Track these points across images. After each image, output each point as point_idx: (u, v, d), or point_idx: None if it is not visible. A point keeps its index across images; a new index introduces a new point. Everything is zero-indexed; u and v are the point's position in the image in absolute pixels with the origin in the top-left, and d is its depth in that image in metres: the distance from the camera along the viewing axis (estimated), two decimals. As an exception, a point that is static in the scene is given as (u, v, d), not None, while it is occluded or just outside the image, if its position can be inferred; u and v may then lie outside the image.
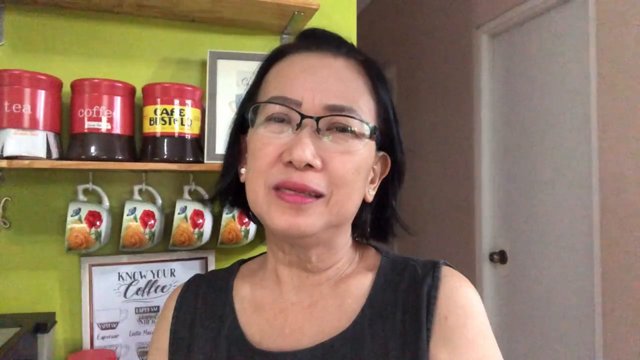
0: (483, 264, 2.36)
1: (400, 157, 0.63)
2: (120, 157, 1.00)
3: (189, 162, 1.05)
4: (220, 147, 1.07)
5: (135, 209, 1.03)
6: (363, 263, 0.64)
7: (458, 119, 2.59)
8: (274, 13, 1.13)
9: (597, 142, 1.75)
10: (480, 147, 2.39)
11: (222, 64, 1.12)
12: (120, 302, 1.09)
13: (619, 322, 1.65)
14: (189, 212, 1.07)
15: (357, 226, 0.65)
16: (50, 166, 0.94)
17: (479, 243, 2.39)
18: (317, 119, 0.54)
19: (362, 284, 0.60)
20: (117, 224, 1.06)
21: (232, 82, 1.13)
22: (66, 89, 1.01)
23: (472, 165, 2.45)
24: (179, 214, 1.06)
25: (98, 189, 1.05)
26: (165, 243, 1.11)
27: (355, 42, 1.18)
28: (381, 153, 0.62)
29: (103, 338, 1.07)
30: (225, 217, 1.10)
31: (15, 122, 0.92)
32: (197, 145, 1.08)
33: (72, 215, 0.98)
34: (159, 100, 1.03)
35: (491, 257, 2.32)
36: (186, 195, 1.11)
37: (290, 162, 0.52)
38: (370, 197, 0.61)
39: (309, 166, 0.52)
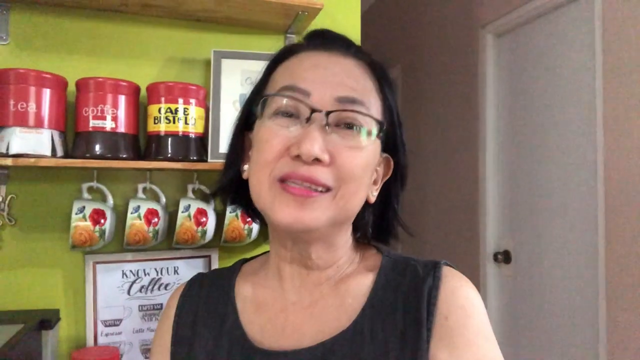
0: (487, 264, 2.35)
1: (403, 159, 0.63)
2: (124, 156, 1.00)
3: (193, 160, 1.05)
4: (224, 146, 1.07)
5: (139, 207, 1.04)
6: (364, 263, 0.64)
7: (463, 119, 2.58)
8: (278, 12, 1.13)
9: (603, 142, 1.74)
10: (484, 146, 2.39)
11: (226, 63, 1.13)
12: (124, 300, 1.10)
13: (623, 323, 1.65)
14: (193, 211, 1.07)
15: (359, 227, 0.65)
16: (55, 164, 0.94)
17: (483, 243, 2.39)
18: (327, 114, 0.54)
19: (363, 283, 0.60)
20: (121, 222, 1.06)
21: (236, 82, 1.13)
22: (71, 87, 1.01)
23: (476, 165, 2.45)
24: (182, 212, 1.06)
25: (102, 187, 1.06)
26: (169, 241, 1.12)
27: (359, 42, 1.18)
28: (384, 155, 0.62)
29: (107, 335, 1.08)
30: (229, 215, 1.10)
31: (21, 120, 0.92)
32: (201, 144, 1.08)
33: (76, 213, 0.98)
34: (163, 99, 1.04)
35: (495, 257, 2.31)
36: (190, 194, 1.12)
37: (298, 156, 0.52)
38: (372, 198, 0.61)
39: (317, 160, 0.52)
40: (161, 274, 1.13)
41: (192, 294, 0.67)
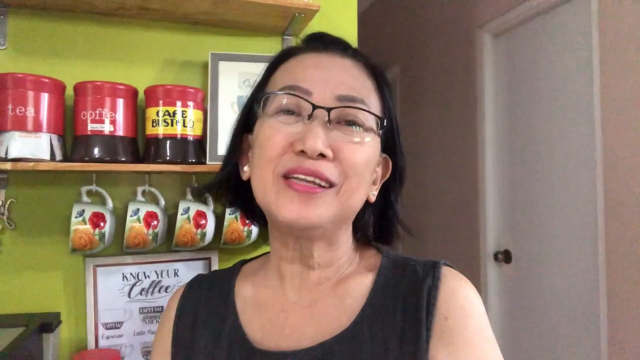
0: (488, 263, 2.35)
1: (401, 160, 0.64)
2: (123, 159, 1.01)
3: (192, 163, 1.06)
4: (222, 148, 1.07)
5: (138, 210, 1.04)
6: (363, 263, 0.64)
7: (461, 118, 2.58)
8: (275, 15, 1.13)
9: (601, 140, 1.74)
10: (483, 146, 2.39)
11: (223, 65, 1.13)
12: (124, 302, 1.10)
13: (624, 322, 1.65)
14: (192, 213, 1.07)
15: (359, 227, 0.65)
16: (54, 168, 0.95)
17: (483, 242, 2.39)
18: (329, 110, 0.54)
19: (362, 284, 0.60)
20: (120, 225, 1.07)
21: (233, 84, 1.13)
22: (69, 91, 1.02)
23: (475, 165, 2.45)
24: (181, 214, 1.07)
25: (101, 190, 1.06)
26: (168, 244, 1.12)
27: (356, 43, 1.18)
28: (383, 155, 0.63)
29: (108, 338, 1.08)
30: (228, 217, 1.11)
31: (19, 124, 0.93)
32: (199, 147, 1.09)
33: (76, 217, 0.99)
34: (161, 102, 1.04)
35: (496, 257, 2.31)
36: (189, 196, 1.12)
37: (302, 152, 0.53)
38: (372, 198, 0.62)
39: (321, 156, 0.53)
40: (161, 276, 1.13)
41: (192, 295, 0.68)
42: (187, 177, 1.14)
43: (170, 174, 1.15)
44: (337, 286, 0.61)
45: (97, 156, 0.98)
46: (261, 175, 0.56)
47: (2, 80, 0.93)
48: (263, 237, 1.19)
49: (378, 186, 0.63)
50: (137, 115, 1.06)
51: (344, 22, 1.31)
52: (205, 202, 1.12)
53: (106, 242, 1.03)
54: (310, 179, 0.53)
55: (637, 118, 1.61)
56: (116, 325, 1.09)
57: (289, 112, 0.56)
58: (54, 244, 1.07)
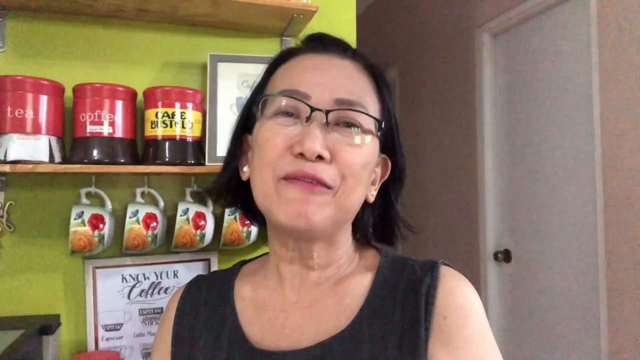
0: (487, 263, 2.35)
1: (401, 160, 0.64)
2: (122, 161, 1.01)
3: (191, 164, 1.06)
4: (221, 149, 1.07)
5: (137, 211, 1.04)
6: (363, 263, 0.64)
7: (461, 119, 2.58)
8: (274, 16, 1.14)
9: (600, 140, 1.74)
10: (483, 146, 2.39)
11: (222, 66, 1.13)
12: (124, 304, 1.10)
13: (624, 321, 1.65)
14: (191, 214, 1.07)
15: (359, 227, 0.65)
16: (53, 170, 0.95)
17: (483, 242, 2.39)
18: (327, 112, 0.54)
19: (361, 283, 0.60)
20: (119, 226, 1.07)
21: (232, 85, 1.13)
22: (68, 93, 1.02)
23: (475, 164, 2.45)
24: (181, 216, 1.07)
25: (101, 192, 1.06)
26: (168, 245, 1.12)
27: (355, 44, 1.19)
28: (382, 156, 0.63)
29: (107, 339, 1.08)
30: (227, 218, 1.11)
31: (18, 127, 0.93)
32: (198, 148, 1.09)
33: (75, 219, 0.99)
34: (160, 103, 1.04)
35: (495, 256, 2.31)
36: (188, 198, 1.12)
37: (300, 154, 0.53)
38: (371, 198, 0.62)
39: (319, 158, 0.53)
40: (161, 277, 1.13)
41: (192, 296, 0.68)
42: (186, 179, 1.14)
43: (169, 175, 1.15)
44: (337, 286, 0.61)
45: (96, 158, 0.98)
46: (261, 178, 0.56)
47: (1, 83, 0.93)
48: (262, 237, 1.19)
49: (377, 186, 0.63)
50: (136, 116, 1.06)
51: (342, 23, 1.32)
52: (204, 203, 1.12)
53: (105, 244, 1.03)
54: (309, 180, 0.53)
55: (637, 117, 1.61)
56: (116, 327, 1.09)
57: (287, 114, 0.56)
58: (53, 246, 1.07)
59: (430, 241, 2.87)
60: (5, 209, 1.03)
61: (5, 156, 0.92)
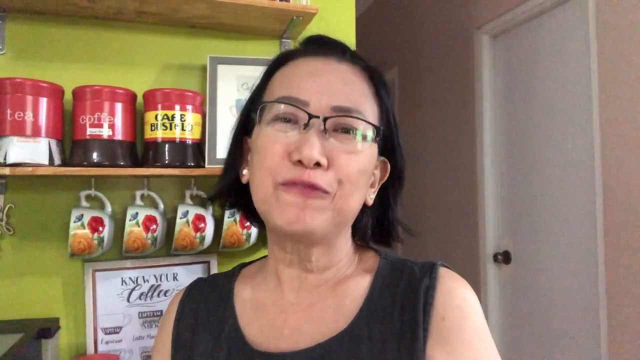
0: (487, 264, 2.35)
1: (400, 162, 0.64)
2: (122, 163, 1.00)
3: (190, 167, 1.06)
4: (221, 151, 1.07)
5: (137, 214, 1.04)
6: (362, 265, 0.65)
7: (460, 120, 2.58)
8: (273, 18, 1.14)
9: (600, 141, 1.74)
10: (482, 147, 2.39)
11: (222, 69, 1.13)
12: (123, 307, 1.10)
13: (624, 322, 1.65)
14: (191, 217, 1.07)
15: (358, 229, 0.66)
16: (53, 173, 0.94)
17: (482, 244, 2.39)
18: (324, 119, 0.55)
19: (361, 285, 0.61)
20: (119, 229, 1.07)
21: (232, 87, 1.13)
22: (68, 96, 1.02)
23: (474, 166, 2.45)
24: (180, 218, 1.07)
25: (100, 194, 1.06)
26: (167, 247, 1.12)
27: (354, 45, 1.19)
28: (381, 158, 0.63)
29: (107, 343, 1.08)
30: (227, 220, 1.11)
31: (18, 129, 0.93)
32: (198, 150, 1.09)
33: (75, 221, 0.99)
34: (159, 106, 1.04)
35: (495, 258, 2.31)
36: (188, 200, 1.12)
37: (299, 161, 0.53)
38: (370, 200, 0.62)
39: (317, 165, 0.53)
40: (160, 280, 1.13)
41: (192, 299, 0.68)
42: (186, 181, 1.14)
43: (169, 178, 1.15)
44: (336, 288, 0.61)
45: (95, 160, 0.98)
46: (260, 183, 0.57)
47: (1, 85, 0.93)
48: (262, 240, 1.19)
49: (376, 189, 0.64)
50: (135, 119, 1.06)
51: (342, 25, 1.32)
52: (204, 206, 1.12)
53: (105, 247, 1.03)
54: (308, 186, 0.54)
55: (636, 118, 1.61)
56: (115, 330, 1.09)
57: (285, 120, 0.56)
58: (53, 249, 1.06)
59: (430, 242, 2.87)
60: (5, 211, 1.03)
61: (5, 159, 0.92)
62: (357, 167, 0.56)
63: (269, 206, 0.56)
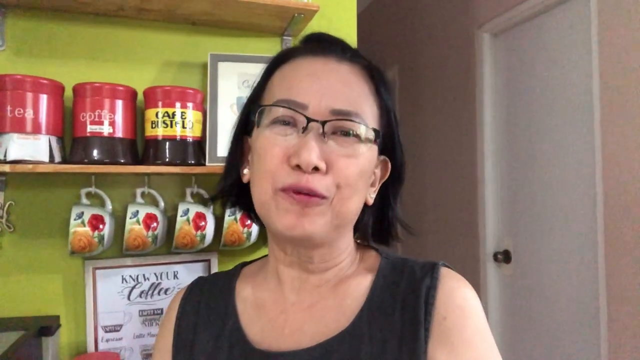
0: (487, 263, 2.35)
1: (401, 161, 0.64)
2: (122, 161, 1.00)
3: (191, 164, 1.05)
4: (222, 149, 1.07)
5: (137, 212, 1.04)
6: (363, 264, 0.64)
7: (460, 119, 2.58)
8: (274, 15, 1.13)
9: (600, 141, 1.74)
10: (483, 146, 2.39)
11: (223, 66, 1.13)
12: (124, 305, 1.09)
13: (624, 322, 1.65)
14: (192, 215, 1.07)
15: (359, 229, 0.65)
16: (53, 170, 0.94)
17: (483, 243, 2.39)
18: (323, 123, 0.54)
19: (362, 285, 0.61)
20: (120, 227, 1.06)
21: (233, 85, 1.13)
22: (68, 93, 1.01)
23: (475, 165, 2.45)
24: (181, 216, 1.06)
25: (101, 192, 1.06)
26: (168, 246, 1.12)
27: (355, 43, 1.18)
28: (382, 157, 0.63)
29: (107, 341, 1.08)
30: (228, 219, 1.10)
31: (18, 126, 0.92)
32: (198, 148, 1.08)
33: (75, 219, 0.98)
34: (160, 103, 1.04)
35: (495, 257, 2.31)
36: (188, 198, 1.12)
37: (297, 166, 0.53)
38: (370, 200, 0.62)
39: (316, 169, 0.53)
40: (161, 278, 1.13)
41: (193, 298, 0.68)
42: (186, 179, 1.14)
43: (170, 176, 1.14)
44: (337, 287, 0.61)
45: (96, 158, 0.98)
46: (260, 186, 0.57)
47: (1, 82, 0.93)
48: (263, 238, 1.19)
49: (376, 188, 0.64)
50: (136, 116, 1.06)
51: (343, 23, 1.31)
52: (204, 204, 1.12)
53: (105, 245, 1.02)
54: (305, 192, 0.54)
55: (637, 118, 1.61)
56: (116, 328, 1.09)
57: (284, 122, 0.56)
58: (53, 247, 1.06)
59: (430, 241, 2.87)
60: (5, 209, 1.03)
61: (5, 156, 0.91)
62: (356, 170, 0.56)
63: (268, 211, 0.56)
